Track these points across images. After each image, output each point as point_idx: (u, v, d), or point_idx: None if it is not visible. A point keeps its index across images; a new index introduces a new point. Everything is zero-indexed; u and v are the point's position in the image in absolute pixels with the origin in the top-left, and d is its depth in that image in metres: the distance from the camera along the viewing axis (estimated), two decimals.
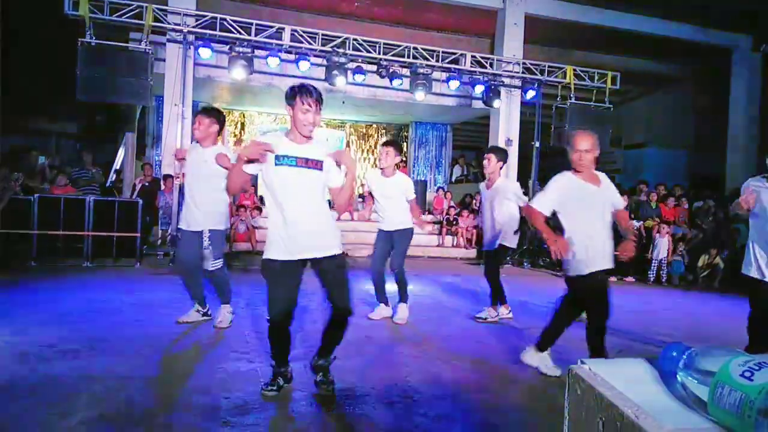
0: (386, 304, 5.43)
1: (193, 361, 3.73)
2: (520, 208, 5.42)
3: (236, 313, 5.16)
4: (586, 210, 3.54)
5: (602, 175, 3.70)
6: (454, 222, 12.95)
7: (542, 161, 12.28)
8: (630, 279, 10.00)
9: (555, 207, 3.58)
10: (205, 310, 4.87)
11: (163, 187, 10.09)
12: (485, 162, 5.61)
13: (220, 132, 4.66)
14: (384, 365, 3.90)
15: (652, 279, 10.02)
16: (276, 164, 2.96)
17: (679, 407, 0.83)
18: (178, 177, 9.72)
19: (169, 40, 9.96)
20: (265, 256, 3.05)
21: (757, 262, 4.11)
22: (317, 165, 3.03)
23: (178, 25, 9.68)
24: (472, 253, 12.55)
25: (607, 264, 3.55)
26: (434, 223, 13.38)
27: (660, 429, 0.69)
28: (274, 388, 3.16)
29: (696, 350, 0.89)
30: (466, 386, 3.53)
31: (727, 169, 14.11)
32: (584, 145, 3.52)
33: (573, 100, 11.55)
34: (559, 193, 3.56)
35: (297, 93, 2.98)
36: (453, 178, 17.27)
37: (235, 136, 15.16)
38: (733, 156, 14.10)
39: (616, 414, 0.73)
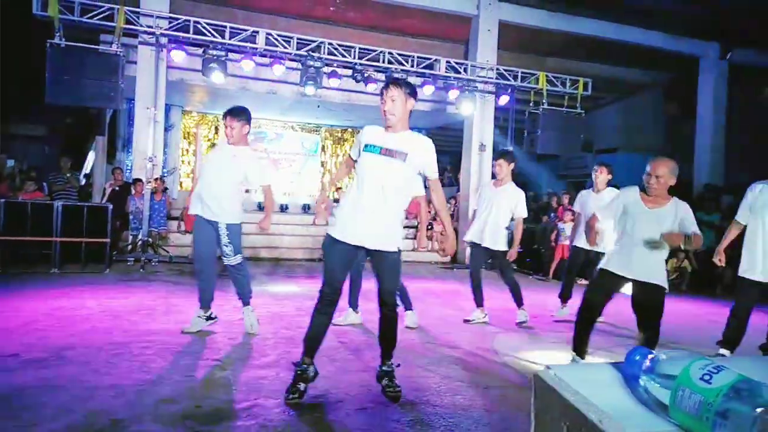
0: (355, 310, 5.40)
1: (162, 369, 3.67)
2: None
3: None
4: (630, 223, 3.80)
5: (678, 206, 3.76)
6: (429, 227, 12.99)
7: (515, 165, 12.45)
8: None
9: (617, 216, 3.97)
10: (208, 314, 4.74)
11: (133, 191, 9.94)
12: (497, 168, 5.79)
13: (248, 132, 4.70)
14: (357, 371, 3.88)
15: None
16: (363, 150, 3.23)
17: (642, 411, 0.84)
18: (150, 182, 9.64)
19: (141, 43, 9.84)
20: (327, 232, 3.25)
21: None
22: (400, 156, 3.17)
23: (151, 27, 9.56)
24: (447, 257, 12.60)
25: (622, 271, 3.78)
26: (409, 227, 13.41)
27: None
28: (296, 395, 3.14)
29: (658, 354, 0.90)
30: (438, 391, 3.54)
31: (696, 173, 14.43)
32: (651, 170, 3.71)
33: (546, 106, 11.70)
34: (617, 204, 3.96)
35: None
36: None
37: (209, 140, 15.00)
38: (701, 161, 14.42)
39: (580, 419, 0.74)
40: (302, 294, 6.98)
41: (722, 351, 4.67)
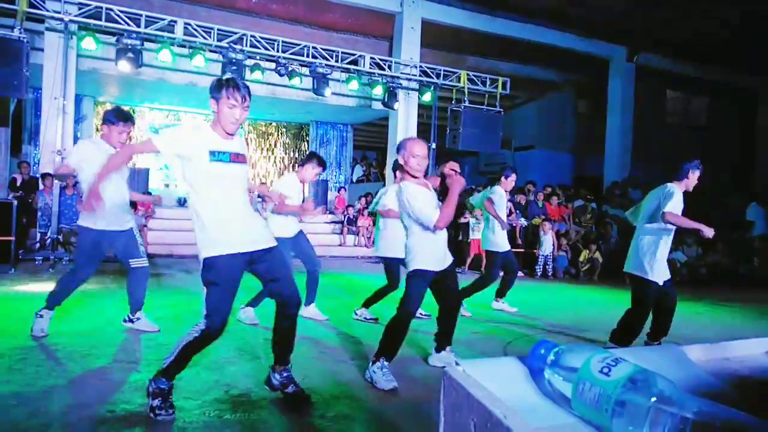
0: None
1: (73, 373, 3.48)
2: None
3: (123, 321, 4.88)
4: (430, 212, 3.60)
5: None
6: (354, 221, 13.03)
7: (437, 161, 12.74)
8: (520, 273, 10.54)
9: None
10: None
11: (42, 186, 9.34)
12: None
13: None
14: None
15: (539, 273, 10.65)
16: (211, 160, 2.83)
17: (547, 405, 0.87)
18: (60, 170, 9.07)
19: (47, 29, 9.24)
20: (209, 255, 2.80)
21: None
22: (244, 159, 3.04)
23: (58, 12, 8.99)
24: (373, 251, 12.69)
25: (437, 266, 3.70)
26: (335, 222, 13.43)
27: (526, 427, 0.72)
28: (172, 410, 2.87)
29: (562, 348, 0.91)
30: (362, 385, 3.56)
31: (606, 170, 15.24)
32: (421, 152, 3.62)
33: (467, 104, 11.98)
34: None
35: (223, 86, 2.91)
36: (354, 178, 17.41)
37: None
38: (611, 158, 15.25)
39: (486, 414, 0.76)
40: None
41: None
